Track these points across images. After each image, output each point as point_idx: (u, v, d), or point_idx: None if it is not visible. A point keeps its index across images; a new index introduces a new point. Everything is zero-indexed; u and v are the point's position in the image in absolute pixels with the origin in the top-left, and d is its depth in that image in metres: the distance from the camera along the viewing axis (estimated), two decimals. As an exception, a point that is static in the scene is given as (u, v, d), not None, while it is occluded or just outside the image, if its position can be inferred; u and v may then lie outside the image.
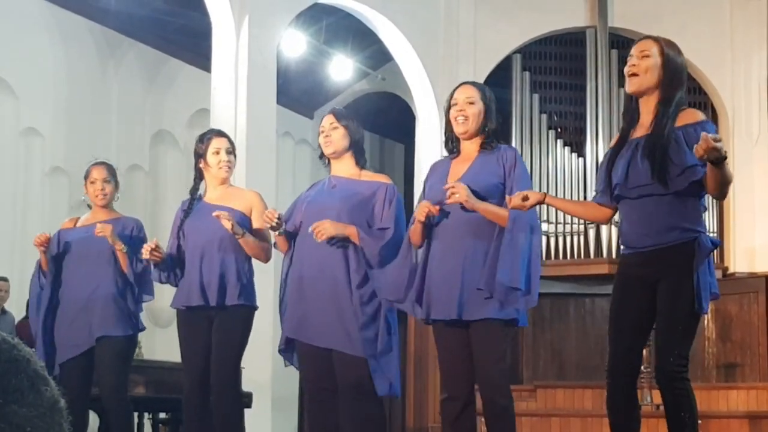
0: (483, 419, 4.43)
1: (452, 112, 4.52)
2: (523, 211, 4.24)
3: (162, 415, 8.63)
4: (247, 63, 9.20)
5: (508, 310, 4.29)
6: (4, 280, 9.69)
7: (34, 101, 10.65)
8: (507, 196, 4.21)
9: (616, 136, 4.43)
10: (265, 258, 5.36)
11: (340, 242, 4.71)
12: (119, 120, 11.56)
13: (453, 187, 4.27)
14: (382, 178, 4.96)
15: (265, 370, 8.89)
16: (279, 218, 4.76)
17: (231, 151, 5.45)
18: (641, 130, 4.17)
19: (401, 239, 4.64)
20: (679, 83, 4.15)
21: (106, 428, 7.52)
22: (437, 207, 4.34)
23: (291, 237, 4.88)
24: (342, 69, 12.71)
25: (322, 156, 4.97)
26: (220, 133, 5.55)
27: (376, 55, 12.67)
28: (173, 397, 7.63)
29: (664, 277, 4.06)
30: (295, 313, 4.80)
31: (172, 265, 5.37)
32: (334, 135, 4.86)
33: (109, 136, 11.32)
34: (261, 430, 8.60)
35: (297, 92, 13.00)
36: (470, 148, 4.52)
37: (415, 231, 4.46)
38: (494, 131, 4.51)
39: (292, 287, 4.85)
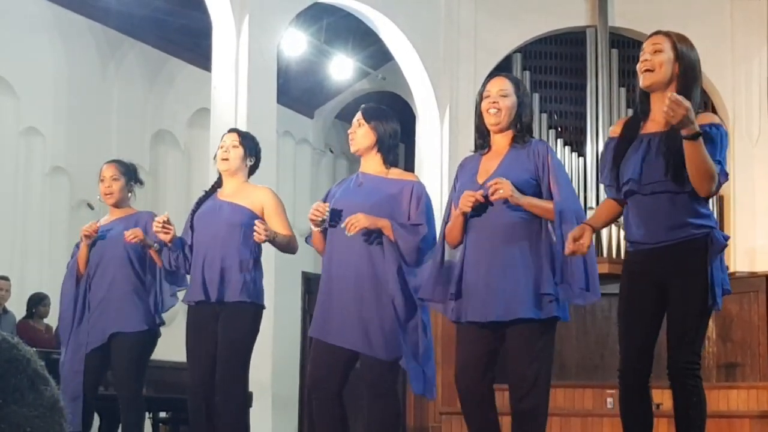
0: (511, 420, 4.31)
1: (484, 103, 4.38)
2: (569, 204, 4.19)
3: (162, 415, 8.63)
4: (247, 62, 9.20)
5: (548, 310, 4.20)
6: (5, 279, 9.69)
7: (34, 101, 10.65)
8: (570, 245, 4.06)
9: (618, 123, 4.36)
10: (294, 248, 5.37)
11: (371, 241, 4.63)
12: (120, 119, 11.56)
13: (496, 182, 4.17)
14: (410, 177, 4.90)
15: (265, 370, 8.89)
16: (328, 211, 4.67)
17: (237, 144, 5.45)
18: (654, 125, 4.12)
19: (434, 237, 4.59)
20: (694, 78, 4.10)
21: (107, 428, 7.53)
22: (481, 192, 4.23)
23: (325, 237, 4.80)
24: (342, 68, 12.71)
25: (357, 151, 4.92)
26: (231, 130, 5.59)
27: (377, 54, 12.67)
28: (173, 397, 7.64)
29: (676, 273, 4.02)
30: (321, 313, 4.75)
31: (182, 247, 5.37)
32: (358, 133, 4.82)
33: (109, 136, 11.32)
34: (261, 429, 8.60)
35: (297, 92, 13.00)
36: (501, 142, 4.41)
37: (455, 226, 4.35)
38: (527, 126, 4.42)
39: (321, 287, 4.80)
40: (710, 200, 4.19)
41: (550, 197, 4.26)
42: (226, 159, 5.42)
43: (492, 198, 4.20)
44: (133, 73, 11.78)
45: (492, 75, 4.59)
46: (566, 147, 12.03)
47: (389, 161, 4.85)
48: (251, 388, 7.39)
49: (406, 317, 4.61)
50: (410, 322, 4.62)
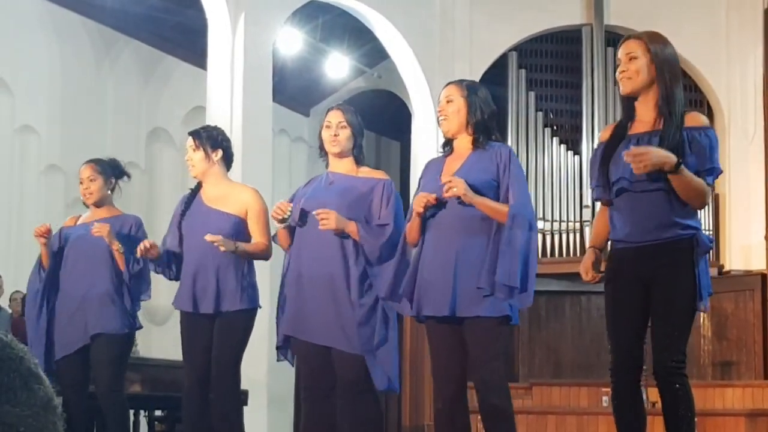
0: (480, 419, 4.41)
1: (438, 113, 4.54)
2: (523, 209, 4.26)
3: (158, 413, 8.63)
4: (242, 60, 9.19)
5: (500, 307, 4.26)
6: None
7: (29, 99, 10.64)
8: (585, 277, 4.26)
9: (607, 129, 4.40)
10: (266, 255, 5.35)
11: (339, 238, 4.68)
12: (115, 117, 11.54)
13: (450, 180, 4.25)
14: (380, 175, 4.92)
15: (260, 368, 8.88)
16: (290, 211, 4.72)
17: (195, 147, 5.37)
18: (641, 125, 4.16)
19: (400, 236, 4.63)
20: (674, 75, 4.14)
21: (101, 426, 7.52)
22: (434, 195, 4.31)
23: (291, 233, 4.84)
24: (338, 67, 12.70)
25: (321, 149, 4.90)
26: (189, 134, 5.47)
27: (372, 52, 12.66)
28: (169, 395, 7.63)
29: (661, 273, 4.05)
30: (293, 310, 4.77)
31: (168, 262, 5.36)
32: (342, 135, 4.79)
33: (104, 134, 11.30)
34: (257, 427, 8.59)
35: (293, 90, 12.98)
36: (462, 145, 4.49)
37: (412, 227, 4.44)
38: (483, 125, 4.45)
39: (290, 284, 4.82)
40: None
41: (507, 201, 4.32)
42: (192, 166, 5.39)
43: (445, 195, 4.27)
44: (129, 70, 11.76)
45: (447, 83, 4.66)
46: (562, 145, 12.04)
47: (360, 161, 4.88)
48: (247, 386, 7.39)
49: (375, 316, 4.66)
50: (378, 321, 4.66)
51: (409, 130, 11.96)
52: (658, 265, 4.06)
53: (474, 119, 4.44)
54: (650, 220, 4.07)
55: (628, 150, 4.03)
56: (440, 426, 4.46)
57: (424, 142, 11.76)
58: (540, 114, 12.11)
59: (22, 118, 10.61)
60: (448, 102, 4.47)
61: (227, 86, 9.16)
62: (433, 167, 4.56)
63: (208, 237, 5.03)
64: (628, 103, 4.24)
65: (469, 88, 4.50)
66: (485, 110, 4.47)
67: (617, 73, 4.20)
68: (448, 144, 4.57)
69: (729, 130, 11.90)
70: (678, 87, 4.14)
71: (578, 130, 12.06)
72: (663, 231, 4.06)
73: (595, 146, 4.52)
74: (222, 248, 5.04)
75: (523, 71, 12.19)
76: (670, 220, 4.05)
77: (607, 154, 4.21)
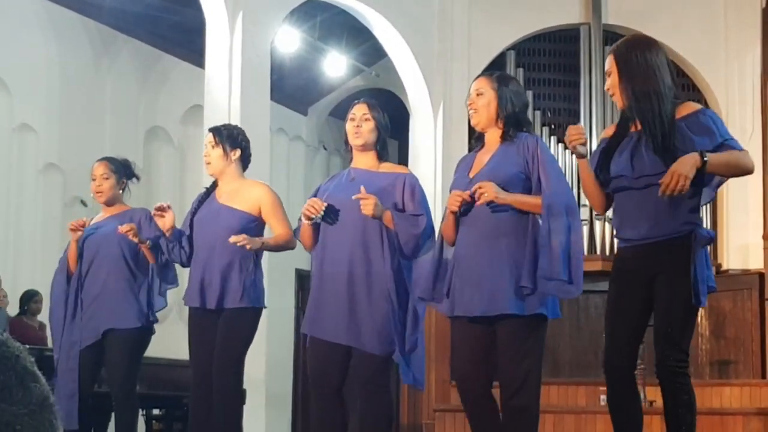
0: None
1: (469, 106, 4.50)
2: (557, 197, 4.20)
3: (156, 412, 8.63)
4: (241, 59, 9.19)
5: (532, 305, 4.20)
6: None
7: (27, 98, 10.63)
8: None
9: (610, 127, 4.41)
10: (292, 245, 5.29)
11: (365, 237, 4.62)
12: (113, 116, 11.54)
13: (480, 187, 4.20)
14: (402, 169, 4.90)
15: (259, 368, 8.88)
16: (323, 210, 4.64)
17: (214, 145, 5.38)
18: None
19: (432, 227, 4.60)
20: (643, 76, 4.13)
21: (98, 424, 7.51)
22: (467, 192, 4.26)
23: (315, 232, 4.77)
24: (336, 65, 12.70)
25: (347, 143, 4.83)
26: (210, 130, 5.48)
27: (370, 51, 12.66)
28: (167, 394, 7.63)
29: (662, 270, 4.05)
30: (314, 309, 4.74)
31: (179, 239, 5.34)
32: (365, 127, 4.74)
33: (102, 133, 11.30)
34: (255, 426, 8.59)
35: (291, 88, 12.98)
36: (492, 138, 4.45)
37: (448, 225, 4.39)
38: (514, 118, 4.40)
39: (313, 283, 4.79)
40: (706, 195, 4.20)
41: (540, 191, 4.27)
42: (209, 162, 5.37)
43: (477, 203, 4.25)
44: (127, 69, 11.76)
45: (477, 76, 4.64)
46: (560, 144, 12.03)
47: (383, 157, 4.83)
48: (245, 385, 7.39)
49: (401, 311, 4.62)
50: (405, 315, 4.63)
51: (407, 129, 11.96)
52: (659, 263, 4.05)
53: (504, 112, 4.40)
54: (649, 218, 4.08)
55: (628, 148, 4.06)
56: (474, 425, 4.40)
57: (422, 141, 11.76)
58: (538, 113, 12.11)
59: (20, 117, 10.61)
60: (478, 95, 4.43)
61: (225, 85, 9.15)
62: (464, 163, 4.53)
63: (233, 239, 5.01)
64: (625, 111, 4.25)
65: (499, 81, 4.46)
66: (516, 103, 4.43)
67: (606, 87, 4.26)
68: (480, 139, 4.53)
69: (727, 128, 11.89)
70: (649, 82, 4.11)
71: (576, 129, 12.05)
72: (662, 228, 4.06)
73: (594, 146, 4.53)
74: (249, 247, 5.02)
75: (520, 70, 12.18)
76: (669, 215, 4.05)
77: (608, 149, 4.21)
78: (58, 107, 10.95)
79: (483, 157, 4.43)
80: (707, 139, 4.01)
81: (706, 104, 12.00)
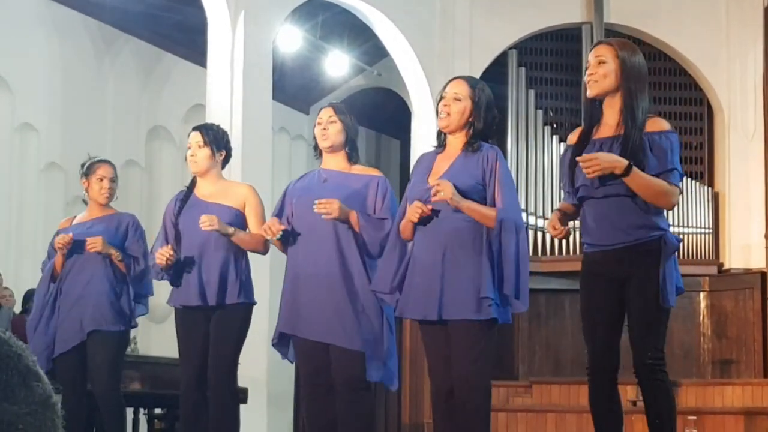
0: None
1: (439, 105, 4.50)
2: (510, 213, 4.29)
3: (157, 411, 8.63)
4: (242, 58, 9.19)
5: (486, 311, 4.26)
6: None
7: (29, 97, 10.63)
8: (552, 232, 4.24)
9: (574, 133, 4.44)
10: (264, 249, 5.35)
11: (338, 236, 4.70)
12: (115, 115, 11.54)
13: (438, 184, 4.26)
14: (374, 172, 4.97)
15: (260, 366, 8.89)
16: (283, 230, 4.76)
17: (201, 144, 5.34)
18: (606, 129, 4.25)
19: (397, 231, 4.64)
20: (639, 82, 4.23)
21: (100, 425, 7.52)
22: (429, 207, 4.33)
23: (286, 235, 4.86)
24: (338, 65, 12.69)
25: (316, 148, 4.96)
26: (195, 128, 5.46)
27: (372, 50, 12.66)
28: (169, 393, 7.63)
29: (632, 274, 4.16)
30: (290, 308, 4.80)
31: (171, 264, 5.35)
32: (331, 129, 4.84)
33: (104, 132, 11.30)
34: (256, 425, 8.59)
35: (293, 88, 12.98)
36: (455, 143, 4.48)
37: (405, 228, 4.46)
38: (481, 131, 4.45)
39: (288, 282, 4.87)
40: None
41: (494, 204, 4.33)
42: (195, 161, 5.37)
43: (432, 199, 4.29)
44: (128, 68, 11.76)
45: (456, 77, 4.62)
46: (562, 143, 12.02)
47: (353, 159, 4.91)
48: (247, 384, 7.39)
49: (374, 312, 4.69)
50: (375, 316, 4.69)
51: (409, 128, 11.95)
52: (628, 267, 4.16)
53: (478, 125, 4.44)
54: (617, 224, 4.18)
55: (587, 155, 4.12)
56: (438, 422, 4.49)
57: (424, 140, 11.73)
58: (540, 112, 12.11)
59: (22, 116, 10.61)
60: (456, 99, 4.45)
61: (227, 84, 9.15)
62: (423, 166, 4.57)
63: (204, 217, 5.03)
64: (593, 105, 4.31)
65: (478, 91, 4.47)
66: (488, 118, 4.47)
67: (585, 76, 4.29)
68: (439, 139, 4.57)
69: (729, 128, 11.90)
70: (642, 95, 4.24)
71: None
72: (630, 234, 4.16)
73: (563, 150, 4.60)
74: (215, 227, 5.03)
75: (523, 69, 12.18)
76: (636, 222, 4.15)
77: (572, 159, 4.26)
78: (60, 106, 10.95)
79: (442, 163, 4.46)
80: (657, 161, 4.11)
81: (708, 103, 12.01)
